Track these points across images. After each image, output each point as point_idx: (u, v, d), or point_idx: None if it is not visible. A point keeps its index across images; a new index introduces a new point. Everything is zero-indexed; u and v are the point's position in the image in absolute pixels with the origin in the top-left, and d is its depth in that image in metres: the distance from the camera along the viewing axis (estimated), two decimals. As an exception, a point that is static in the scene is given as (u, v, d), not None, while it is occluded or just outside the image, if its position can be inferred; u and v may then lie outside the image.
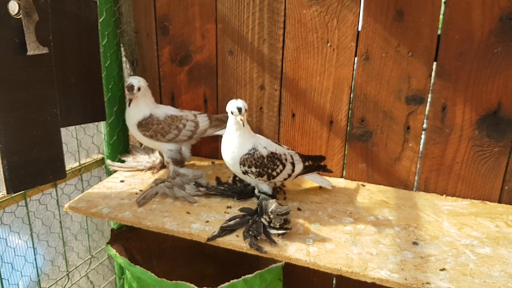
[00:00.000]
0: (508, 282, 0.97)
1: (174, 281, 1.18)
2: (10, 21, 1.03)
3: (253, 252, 1.10)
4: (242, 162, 1.25)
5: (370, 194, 1.43)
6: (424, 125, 1.40)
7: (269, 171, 1.27)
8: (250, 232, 1.14)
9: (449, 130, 1.37)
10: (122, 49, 1.67)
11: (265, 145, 1.28)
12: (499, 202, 1.39)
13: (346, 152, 1.52)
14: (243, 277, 1.19)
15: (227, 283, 1.17)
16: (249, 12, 1.49)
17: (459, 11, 1.26)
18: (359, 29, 1.38)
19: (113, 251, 1.37)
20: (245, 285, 1.19)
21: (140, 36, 1.68)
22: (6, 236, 1.38)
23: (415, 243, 1.13)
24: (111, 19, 1.56)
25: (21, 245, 1.44)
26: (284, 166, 1.30)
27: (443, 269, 1.02)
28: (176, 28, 1.61)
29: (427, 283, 0.96)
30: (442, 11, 1.28)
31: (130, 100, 1.40)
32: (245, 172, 1.27)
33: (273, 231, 1.14)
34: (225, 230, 1.17)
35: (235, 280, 1.18)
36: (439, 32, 1.30)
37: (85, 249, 1.75)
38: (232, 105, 1.21)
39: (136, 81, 1.40)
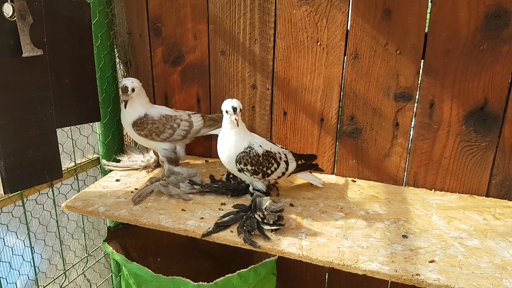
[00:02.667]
0: (496, 273, 1.01)
1: (170, 277, 1.21)
2: (4, 23, 1.05)
3: (247, 247, 1.12)
4: (238, 160, 1.28)
5: (361, 189, 1.46)
6: (413, 122, 1.43)
7: (264, 169, 1.30)
8: (244, 228, 1.16)
9: (437, 126, 1.40)
10: (115, 50, 1.69)
11: (260, 144, 1.31)
12: (487, 196, 1.42)
13: (337, 149, 1.55)
14: (237, 271, 1.22)
15: (222, 278, 1.20)
16: (240, 13, 1.51)
17: (445, 10, 1.29)
18: (348, 28, 1.41)
19: (110, 248, 1.39)
20: (240, 279, 1.22)
21: (133, 37, 1.70)
22: (3, 236, 1.39)
23: (405, 236, 1.16)
24: (104, 21, 1.57)
25: (19, 245, 1.46)
26: (278, 164, 1.32)
27: (432, 261, 1.05)
28: (169, 29, 1.63)
29: (417, 274, 1.00)
30: (429, 10, 1.32)
31: (126, 102, 1.42)
32: (240, 170, 1.29)
33: (266, 227, 1.17)
34: (220, 226, 1.19)
35: (230, 275, 1.21)
36: (426, 30, 1.33)
37: (82, 248, 1.77)
38: (227, 105, 1.24)
39: (130, 82, 1.41)
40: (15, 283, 1.44)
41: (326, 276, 1.72)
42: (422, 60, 1.36)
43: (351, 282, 1.68)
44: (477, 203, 1.37)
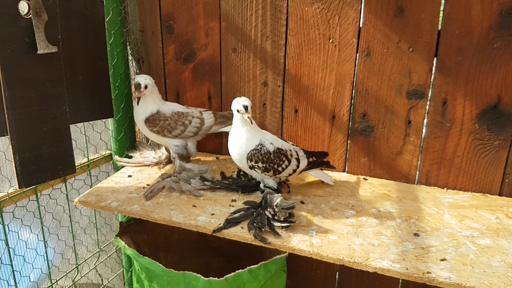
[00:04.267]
0: (508, 272, 1.00)
1: (181, 272, 1.22)
2: (20, 21, 1.08)
3: (257, 243, 1.13)
4: (249, 157, 1.28)
5: (372, 187, 1.46)
6: (425, 120, 1.42)
7: (275, 166, 1.30)
8: (255, 224, 1.17)
9: (450, 124, 1.39)
10: (128, 47, 1.71)
11: (271, 141, 1.31)
12: (500, 194, 1.41)
13: (348, 147, 1.55)
14: (248, 267, 1.23)
15: (232, 274, 1.21)
16: (252, 10, 1.52)
17: (458, 7, 1.28)
18: (360, 25, 1.40)
19: (122, 243, 1.41)
20: (250, 275, 1.23)
21: (145, 34, 1.72)
22: (18, 230, 1.42)
23: (416, 235, 1.16)
24: (117, 18, 1.59)
25: (32, 239, 1.49)
26: (289, 161, 1.33)
27: (443, 259, 1.05)
28: (181, 26, 1.65)
29: (428, 272, 0.99)
30: (442, 7, 1.31)
31: (139, 99, 1.44)
32: (252, 167, 1.30)
33: (277, 224, 1.17)
34: (230, 222, 1.20)
35: (240, 271, 1.22)
36: (439, 27, 1.32)
37: (94, 243, 1.80)
38: (238, 104, 1.24)
39: (143, 79, 1.43)
40: (29, 277, 1.47)
41: (337, 275, 1.72)
42: (435, 58, 1.35)
43: (361, 280, 1.68)
44: (490, 202, 1.36)
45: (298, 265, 1.75)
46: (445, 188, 1.46)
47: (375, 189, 1.45)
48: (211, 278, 1.20)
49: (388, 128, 1.47)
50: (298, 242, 1.11)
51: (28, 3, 1.07)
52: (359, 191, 1.43)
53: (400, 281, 1.63)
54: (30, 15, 1.08)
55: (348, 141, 1.55)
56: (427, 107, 1.41)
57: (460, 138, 1.39)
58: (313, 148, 1.59)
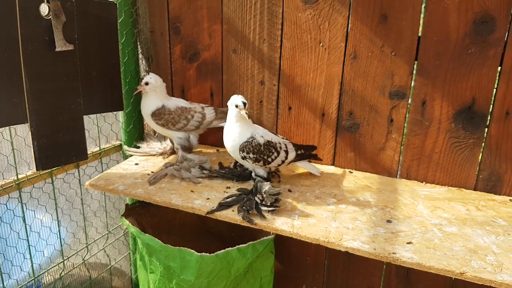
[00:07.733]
0: (466, 255, 1.10)
1: (177, 247, 1.36)
2: (41, 21, 1.21)
3: (245, 224, 1.26)
4: (242, 149, 1.42)
5: (356, 180, 1.58)
6: (406, 118, 1.54)
7: (265, 157, 1.43)
8: (244, 207, 1.30)
9: (428, 123, 1.50)
10: (138, 47, 1.85)
11: (262, 134, 1.44)
12: (475, 189, 1.51)
13: (336, 142, 1.67)
14: (237, 246, 1.36)
15: (223, 250, 1.34)
16: (251, 15, 1.65)
17: (437, 15, 1.40)
18: (348, 31, 1.52)
19: (126, 222, 1.55)
20: (239, 253, 1.36)
21: (155, 35, 1.86)
22: (34, 209, 1.57)
23: (388, 221, 1.27)
24: (129, 20, 1.73)
25: (47, 218, 1.63)
26: (278, 153, 1.45)
27: (409, 243, 1.15)
28: (187, 28, 1.79)
29: (393, 253, 1.11)
30: (422, 15, 1.42)
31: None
32: (243, 158, 1.43)
33: (264, 208, 1.30)
34: (223, 205, 1.33)
35: (230, 248, 1.35)
36: (419, 34, 1.44)
37: (103, 225, 1.94)
38: (238, 100, 1.37)
39: (148, 77, 1.58)
40: (43, 252, 1.62)
41: (326, 262, 1.84)
42: (415, 62, 1.47)
43: (348, 267, 1.80)
44: (464, 196, 1.47)
45: (289, 251, 1.87)
46: (424, 182, 1.57)
47: (358, 181, 1.57)
48: (203, 253, 1.33)
49: (372, 125, 1.59)
50: (281, 224, 1.24)
51: (48, 6, 1.20)
52: (343, 183, 1.55)
53: (384, 268, 1.74)
54: (50, 16, 1.21)
55: (336, 137, 1.66)
56: (408, 106, 1.52)
57: (438, 136, 1.50)
58: (305, 143, 1.71)
